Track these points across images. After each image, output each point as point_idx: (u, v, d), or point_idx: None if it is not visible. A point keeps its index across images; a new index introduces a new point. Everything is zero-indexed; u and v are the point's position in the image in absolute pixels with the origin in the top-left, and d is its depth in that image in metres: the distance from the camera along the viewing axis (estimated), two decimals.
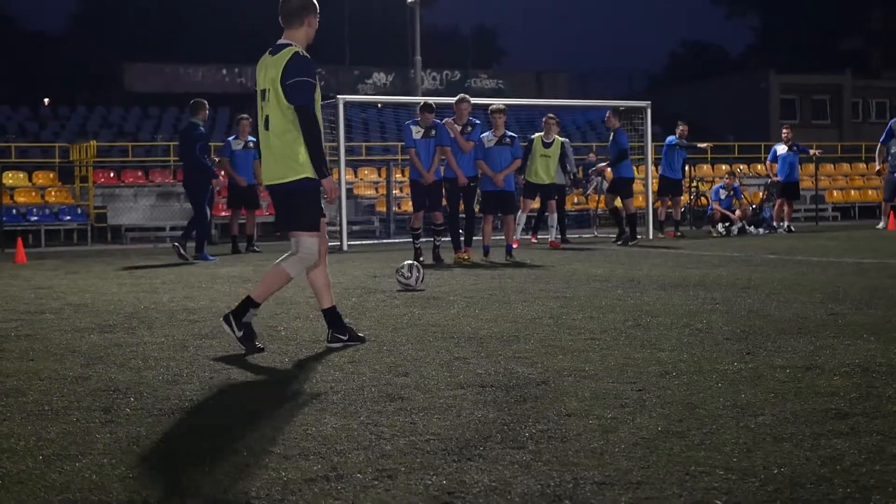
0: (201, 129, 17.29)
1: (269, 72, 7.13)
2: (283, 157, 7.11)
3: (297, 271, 7.27)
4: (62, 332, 8.19)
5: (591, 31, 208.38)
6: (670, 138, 23.49)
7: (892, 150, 24.56)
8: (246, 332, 7.09)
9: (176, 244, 17.48)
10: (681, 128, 23.53)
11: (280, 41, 7.22)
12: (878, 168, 25.28)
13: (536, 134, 19.44)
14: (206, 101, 17.64)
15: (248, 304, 7.13)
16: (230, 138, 20.31)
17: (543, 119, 19.76)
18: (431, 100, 17.35)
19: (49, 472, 4.12)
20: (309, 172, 7.11)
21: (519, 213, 19.49)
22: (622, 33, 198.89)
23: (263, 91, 7.19)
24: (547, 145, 19.02)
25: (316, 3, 7.31)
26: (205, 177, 17.32)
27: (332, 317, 7.39)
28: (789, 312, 8.52)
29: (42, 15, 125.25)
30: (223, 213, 26.03)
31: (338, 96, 21.67)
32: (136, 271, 14.89)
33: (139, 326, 8.53)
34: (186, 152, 17.32)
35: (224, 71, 53.46)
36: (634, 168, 22.52)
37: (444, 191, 16.04)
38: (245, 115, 20.52)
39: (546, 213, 20.45)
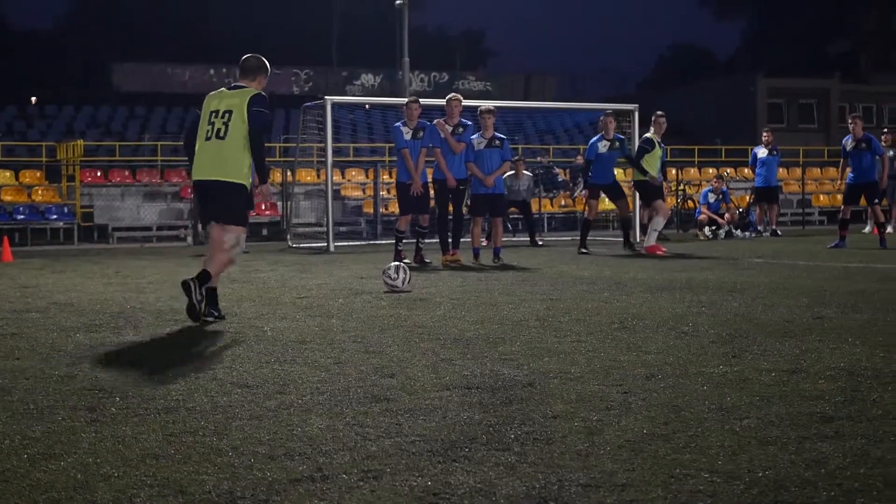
0: None
1: (230, 100, 8.90)
2: (233, 161, 8.80)
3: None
4: (48, 332, 8.16)
5: (579, 34, 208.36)
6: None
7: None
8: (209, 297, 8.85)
9: None
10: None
11: (237, 84, 9.14)
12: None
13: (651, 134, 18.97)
14: None
15: (207, 275, 8.77)
16: None
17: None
18: (420, 100, 17.32)
19: (34, 470, 4.11)
20: (247, 181, 8.96)
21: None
22: (610, 36, 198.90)
23: (220, 112, 8.84)
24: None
25: (268, 66, 9.17)
26: None
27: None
28: (775, 316, 8.53)
29: (31, 14, 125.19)
30: None
31: (325, 97, 21.67)
32: (122, 271, 14.85)
33: (125, 326, 8.52)
34: None
35: (211, 71, 53.32)
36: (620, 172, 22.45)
37: (431, 192, 16.05)
38: None
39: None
